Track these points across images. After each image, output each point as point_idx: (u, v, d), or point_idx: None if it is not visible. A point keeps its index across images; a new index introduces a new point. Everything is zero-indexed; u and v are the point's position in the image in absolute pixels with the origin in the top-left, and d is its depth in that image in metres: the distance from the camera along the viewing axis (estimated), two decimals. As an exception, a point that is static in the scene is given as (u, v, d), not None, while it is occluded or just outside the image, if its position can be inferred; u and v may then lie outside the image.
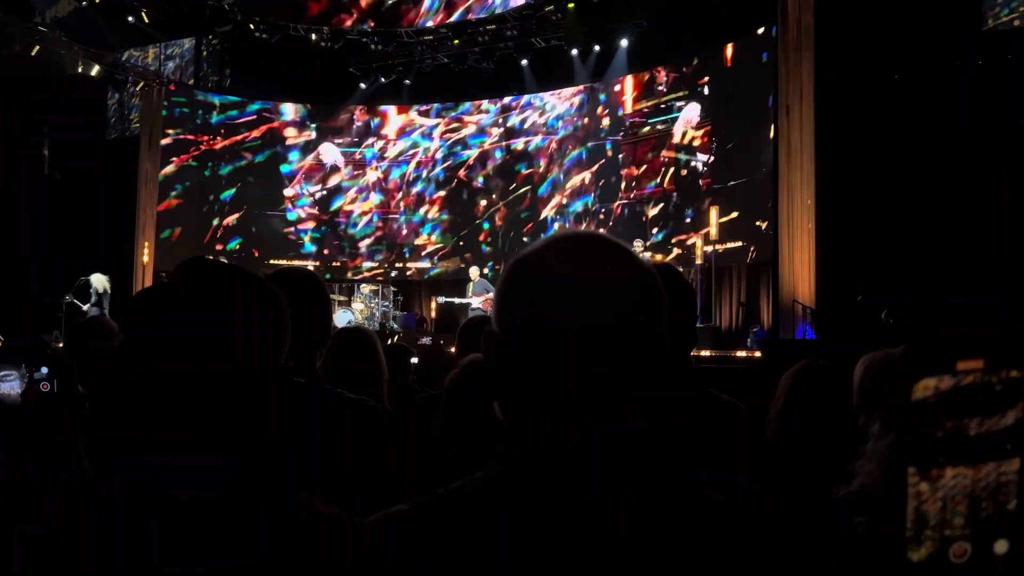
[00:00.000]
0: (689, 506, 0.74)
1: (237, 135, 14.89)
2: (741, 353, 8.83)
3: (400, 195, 15.23)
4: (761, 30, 10.99)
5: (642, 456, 0.76)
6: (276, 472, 0.92)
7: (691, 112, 12.34)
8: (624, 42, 12.91)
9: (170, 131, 14.25)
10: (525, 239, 14.10)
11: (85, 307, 10.71)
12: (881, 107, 8.70)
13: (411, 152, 15.24)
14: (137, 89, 13.94)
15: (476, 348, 2.92)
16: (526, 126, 14.49)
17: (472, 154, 14.83)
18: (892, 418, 0.63)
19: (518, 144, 14.51)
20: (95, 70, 12.91)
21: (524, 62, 13.79)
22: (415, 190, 15.17)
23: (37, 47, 12.06)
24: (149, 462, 0.89)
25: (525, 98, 14.46)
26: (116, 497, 0.88)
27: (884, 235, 8.54)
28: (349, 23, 13.85)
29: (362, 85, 14.97)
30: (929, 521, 0.57)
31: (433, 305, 14.21)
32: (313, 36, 13.87)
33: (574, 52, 13.36)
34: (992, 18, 8.47)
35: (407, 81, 14.67)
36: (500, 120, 14.70)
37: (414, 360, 4.21)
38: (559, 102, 14.18)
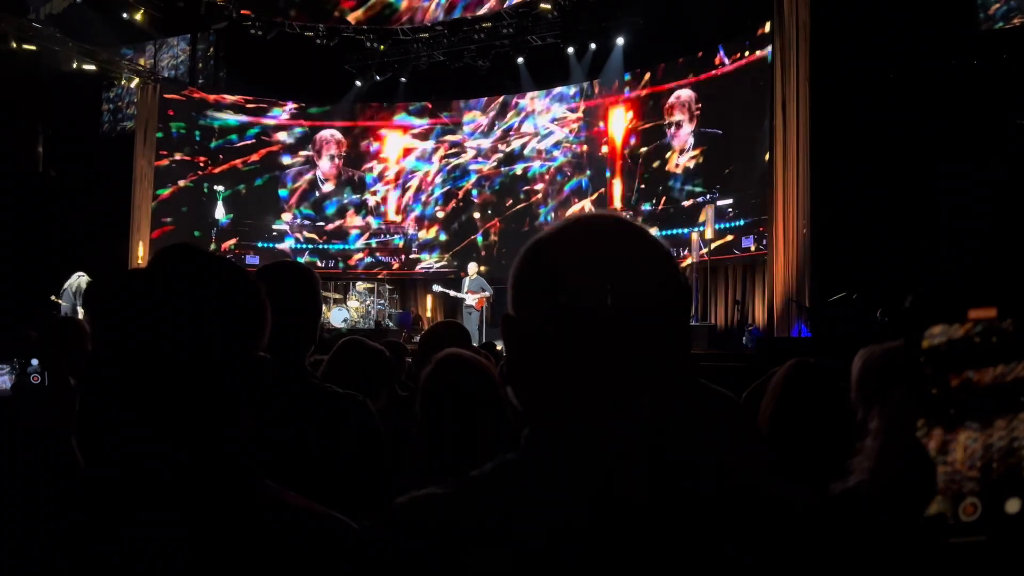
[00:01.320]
0: (714, 487, 0.75)
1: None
2: (736, 352, 8.83)
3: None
4: (759, 29, 10.99)
5: (665, 438, 0.76)
6: (249, 464, 0.90)
7: (685, 95, 12.33)
8: (620, 40, 12.90)
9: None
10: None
11: (63, 304, 10.58)
12: (877, 105, 8.70)
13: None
14: (132, 86, 13.89)
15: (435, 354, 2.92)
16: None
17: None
18: (902, 370, 0.60)
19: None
20: (90, 67, 12.85)
21: (520, 60, 13.78)
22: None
23: (31, 44, 12.00)
24: (121, 455, 0.87)
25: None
26: (96, 491, 0.88)
27: (880, 234, 8.55)
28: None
29: (358, 83, 14.94)
30: (939, 477, 0.55)
31: (429, 299, 14.19)
32: (308, 34, 13.83)
33: (570, 50, 13.35)
34: (986, 26, 8.50)
35: (403, 79, 14.65)
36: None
37: (408, 359, 4.20)
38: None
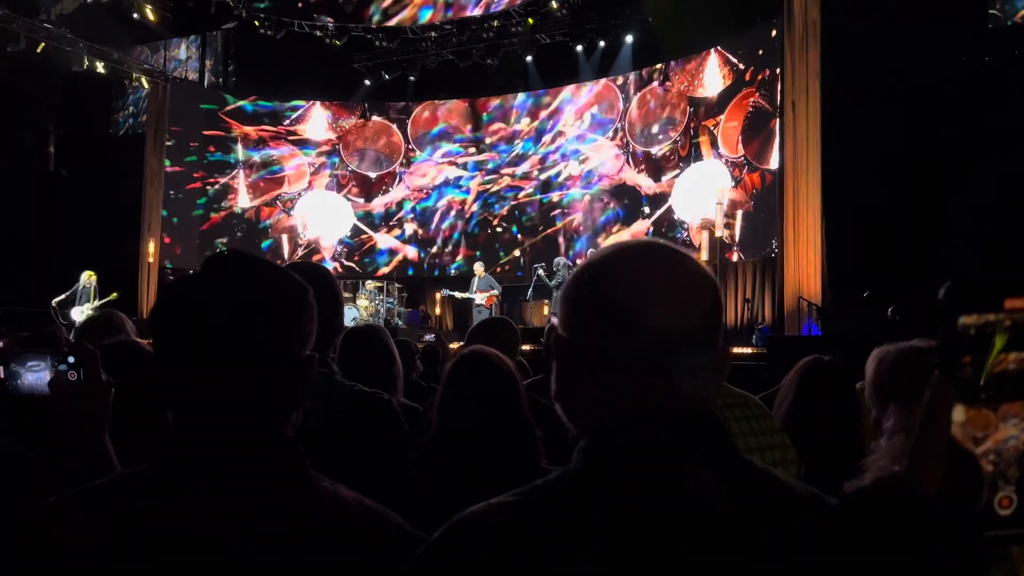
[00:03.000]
0: (777, 490, 0.79)
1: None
2: (746, 350, 8.81)
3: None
4: (767, 25, 10.94)
5: (720, 449, 0.79)
6: (300, 460, 0.93)
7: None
8: (629, 38, 12.87)
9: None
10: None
11: (74, 309, 10.37)
12: (888, 103, 8.65)
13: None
14: (143, 86, 13.95)
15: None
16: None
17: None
18: (937, 359, 0.59)
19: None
20: (101, 67, 12.92)
21: (529, 58, 13.77)
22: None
23: (43, 44, 12.08)
24: (175, 453, 0.90)
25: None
26: (142, 485, 0.90)
27: (891, 231, 8.50)
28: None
29: (367, 82, 14.98)
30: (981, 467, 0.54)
31: (438, 297, 14.20)
32: (318, 33, 13.87)
33: (579, 48, 13.33)
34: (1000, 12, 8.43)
35: (411, 78, 14.66)
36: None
37: (418, 358, 4.20)
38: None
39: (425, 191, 15.08)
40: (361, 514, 0.91)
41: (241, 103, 14.99)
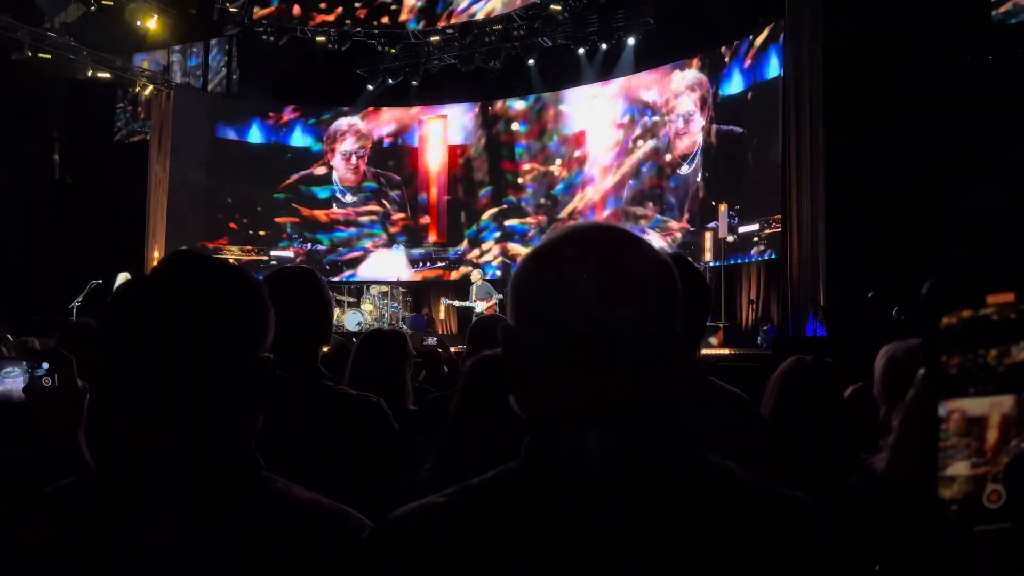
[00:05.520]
0: (718, 491, 0.74)
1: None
2: (752, 351, 8.79)
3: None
4: (770, 27, 10.93)
5: (663, 446, 0.75)
6: (256, 462, 0.92)
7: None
8: (631, 40, 12.88)
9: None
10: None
11: None
12: (891, 101, 8.63)
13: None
14: (147, 93, 13.99)
15: (485, 347, 2.93)
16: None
17: None
18: (922, 356, 0.59)
19: None
20: (104, 75, 12.96)
21: (531, 62, 13.80)
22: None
23: (47, 53, 12.12)
24: (126, 457, 0.88)
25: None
26: (94, 490, 0.89)
27: (895, 231, 8.48)
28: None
29: (369, 87, 15.03)
30: (959, 456, 0.54)
31: (442, 308, 14.24)
32: (320, 38, 13.91)
33: (581, 51, 13.35)
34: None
35: (414, 82, 14.72)
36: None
37: (419, 359, 4.20)
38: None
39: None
40: (317, 514, 0.90)
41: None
